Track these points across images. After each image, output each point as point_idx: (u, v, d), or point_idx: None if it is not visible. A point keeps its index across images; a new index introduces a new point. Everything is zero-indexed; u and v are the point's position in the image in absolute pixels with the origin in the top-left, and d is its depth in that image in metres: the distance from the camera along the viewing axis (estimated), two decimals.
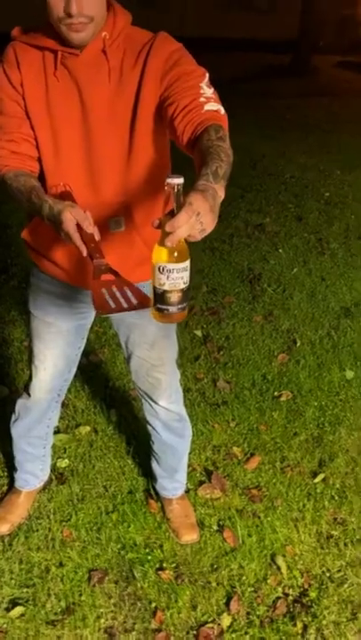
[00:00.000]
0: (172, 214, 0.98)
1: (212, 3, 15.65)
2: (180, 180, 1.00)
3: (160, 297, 1.06)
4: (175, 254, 1.01)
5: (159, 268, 1.03)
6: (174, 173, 1.02)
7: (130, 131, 1.39)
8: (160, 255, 1.02)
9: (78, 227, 1.16)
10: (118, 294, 1.15)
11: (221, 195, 1.04)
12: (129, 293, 1.16)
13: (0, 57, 1.42)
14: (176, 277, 1.03)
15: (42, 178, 1.45)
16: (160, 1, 14.97)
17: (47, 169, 1.44)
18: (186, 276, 1.04)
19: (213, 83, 1.34)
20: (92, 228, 1.17)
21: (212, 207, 0.97)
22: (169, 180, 1.00)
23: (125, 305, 1.14)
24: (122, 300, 1.14)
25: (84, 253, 1.16)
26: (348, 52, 14.86)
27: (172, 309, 1.07)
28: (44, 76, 1.38)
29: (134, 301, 1.15)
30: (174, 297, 1.05)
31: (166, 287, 1.04)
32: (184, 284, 1.05)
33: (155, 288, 1.06)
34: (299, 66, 13.11)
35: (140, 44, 1.36)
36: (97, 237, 1.18)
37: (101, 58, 1.35)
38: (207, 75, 1.35)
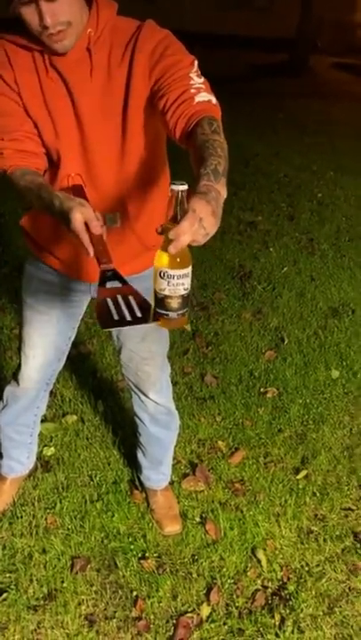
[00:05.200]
0: (174, 220, 0.98)
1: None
2: (184, 187, 1.00)
3: (160, 302, 1.06)
4: (177, 260, 1.02)
5: (160, 273, 1.03)
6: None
7: (122, 126, 1.39)
8: (162, 260, 1.02)
9: (87, 226, 1.13)
10: (123, 305, 1.10)
11: (224, 193, 1.04)
12: (133, 303, 1.10)
13: None
14: (177, 283, 1.03)
15: (50, 171, 1.45)
16: None
17: (51, 160, 1.44)
18: (187, 282, 1.05)
19: (209, 80, 1.31)
20: (100, 229, 1.14)
21: (215, 210, 0.97)
22: (173, 187, 1.00)
23: (129, 318, 1.08)
24: (126, 312, 1.09)
25: (91, 255, 1.14)
26: (345, 54, 14.90)
27: (172, 315, 1.07)
28: (37, 77, 1.36)
29: (138, 314, 1.08)
30: (174, 303, 1.05)
31: (166, 292, 1.04)
32: (185, 290, 1.05)
33: (155, 293, 1.06)
34: (295, 65, 13.11)
35: (127, 36, 1.34)
36: (105, 235, 1.16)
37: (87, 56, 1.33)
38: (196, 62, 1.32)
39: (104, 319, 1.07)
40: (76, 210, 1.13)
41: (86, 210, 1.14)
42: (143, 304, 1.10)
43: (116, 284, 1.14)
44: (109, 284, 1.14)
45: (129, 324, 1.08)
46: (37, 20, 1.22)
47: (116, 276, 1.15)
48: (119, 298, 1.11)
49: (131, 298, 1.11)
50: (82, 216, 1.12)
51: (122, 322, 1.08)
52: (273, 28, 15.06)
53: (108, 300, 1.10)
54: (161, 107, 1.29)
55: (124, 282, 1.14)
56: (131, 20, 1.37)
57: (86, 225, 1.13)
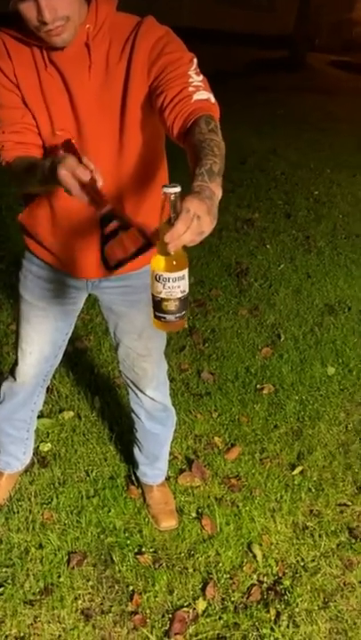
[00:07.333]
0: (169, 222, 0.98)
1: None
2: (177, 190, 0.99)
3: (157, 305, 1.06)
4: (173, 262, 1.01)
5: (156, 277, 1.03)
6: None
7: (119, 123, 1.39)
8: (157, 264, 1.02)
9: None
10: (126, 239, 1.10)
11: (218, 193, 1.02)
12: (135, 236, 1.10)
13: None
14: (172, 286, 1.03)
15: None
16: None
17: (46, 155, 1.44)
18: (183, 284, 1.04)
19: (207, 76, 1.30)
20: (87, 174, 1.09)
21: (210, 209, 0.96)
22: (165, 190, 0.99)
23: (133, 248, 1.09)
24: (129, 244, 1.10)
25: (86, 203, 1.11)
26: (343, 52, 14.91)
27: (170, 317, 1.07)
28: (36, 72, 1.36)
29: (141, 241, 1.09)
30: (171, 305, 1.05)
31: (163, 295, 1.04)
32: (181, 292, 1.04)
33: (153, 296, 1.06)
34: (293, 63, 13.11)
35: (126, 32, 1.33)
36: (99, 182, 1.11)
37: (85, 51, 1.32)
38: (195, 60, 1.31)
39: (110, 259, 1.11)
40: (60, 167, 1.10)
41: (68, 161, 1.10)
42: (145, 231, 1.10)
43: (115, 223, 1.12)
44: (111, 225, 1.12)
45: (134, 254, 1.11)
46: (35, 15, 1.21)
47: (115, 216, 1.13)
48: (121, 234, 1.11)
49: (133, 229, 1.11)
50: (65, 169, 1.09)
51: (125, 254, 1.11)
52: (271, 26, 15.06)
53: (111, 241, 1.11)
54: (159, 104, 1.28)
55: (122, 219, 1.13)
56: (130, 15, 1.36)
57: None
